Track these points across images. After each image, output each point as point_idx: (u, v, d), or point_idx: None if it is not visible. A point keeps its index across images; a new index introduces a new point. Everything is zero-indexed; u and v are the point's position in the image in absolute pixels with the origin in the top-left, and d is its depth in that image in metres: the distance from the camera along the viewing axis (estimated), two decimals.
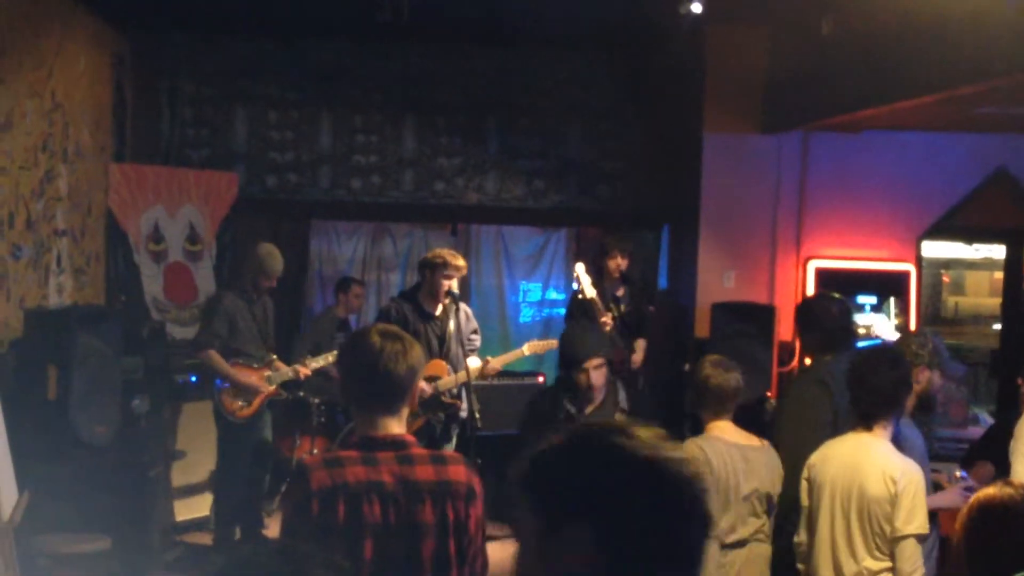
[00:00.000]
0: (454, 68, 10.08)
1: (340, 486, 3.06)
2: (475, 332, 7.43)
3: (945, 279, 12.52)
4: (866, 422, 4.37)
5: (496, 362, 7.31)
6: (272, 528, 8.19)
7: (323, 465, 3.11)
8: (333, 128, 10.05)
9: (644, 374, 8.09)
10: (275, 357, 7.77)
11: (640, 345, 8.17)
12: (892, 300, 9.09)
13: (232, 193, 9.55)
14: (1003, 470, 5.24)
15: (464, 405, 7.20)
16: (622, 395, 5.44)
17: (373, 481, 3.10)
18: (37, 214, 7.28)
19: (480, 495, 3.25)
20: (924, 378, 5.01)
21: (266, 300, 7.78)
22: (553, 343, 7.91)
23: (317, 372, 8.00)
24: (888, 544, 4.26)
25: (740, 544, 4.76)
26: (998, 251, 10.36)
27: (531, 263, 11.05)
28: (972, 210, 9.27)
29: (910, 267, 9.16)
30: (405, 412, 3.26)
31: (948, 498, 5.02)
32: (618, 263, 8.19)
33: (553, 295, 10.91)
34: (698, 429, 5.07)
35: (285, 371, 7.71)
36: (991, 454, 5.66)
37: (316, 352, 8.15)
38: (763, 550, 4.88)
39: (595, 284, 8.18)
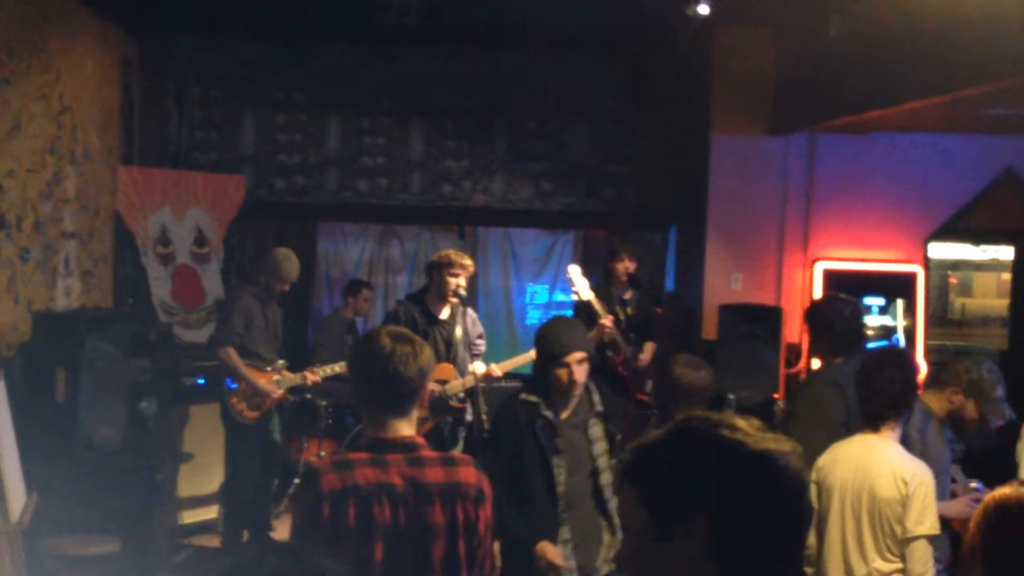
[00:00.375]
0: (461, 70, 10.09)
1: (350, 488, 3.07)
2: (480, 337, 7.43)
3: (952, 280, 12.51)
4: (873, 424, 4.36)
5: (501, 367, 7.30)
6: (280, 531, 8.19)
7: (333, 467, 3.12)
8: (340, 130, 10.06)
9: (652, 376, 8.08)
10: (283, 362, 7.77)
11: (649, 348, 8.16)
12: (899, 301, 9.08)
13: (239, 196, 9.55)
14: (1010, 472, 5.24)
15: (470, 409, 7.22)
16: (596, 397, 4.89)
17: (383, 483, 3.11)
18: (45, 217, 7.29)
19: (489, 497, 3.27)
20: (956, 400, 5.11)
21: (275, 305, 7.79)
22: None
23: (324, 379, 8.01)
24: (899, 545, 4.26)
25: None
26: (1006, 252, 10.34)
27: (538, 265, 11.06)
28: (980, 211, 9.25)
29: (917, 268, 9.15)
30: (415, 414, 3.27)
31: (956, 507, 5.02)
32: (626, 266, 8.19)
33: (560, 297, 10.91)
34: (664, 424, 5.12)
35: (293, 377, 7.72)
36: (1000, 456, 5.65)
37: (325, 354, 8.15)
38: None
39: (603, 287, 8.19)
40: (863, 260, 9.05)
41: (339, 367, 7.74)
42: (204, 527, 8.18)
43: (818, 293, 8.80)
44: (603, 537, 4.76)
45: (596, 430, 4.83)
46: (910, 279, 9.10)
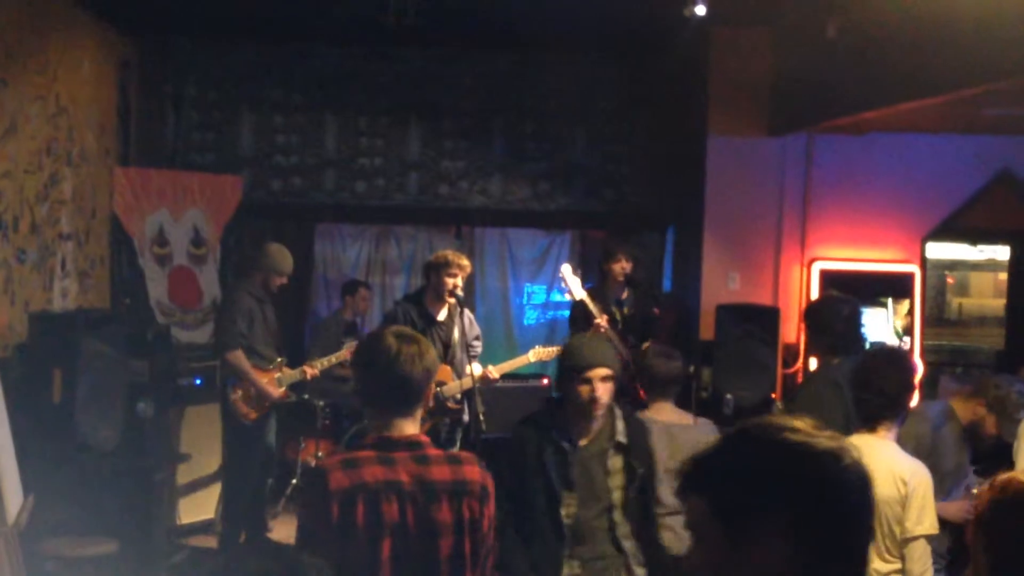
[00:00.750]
0: (459, 72, 10.09)
1: (358, 486, 3.09)
2: (477, 338, 7.43)
3: (949, 280, 12.52)
4: (870, 424, 4.36)
5: (499, 369, 7.30)
6: (276, 531, 8.19)
7: (341, 465, 3.13)
8: (338, 132, 10.06)
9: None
10: (282, 360, 7.77)
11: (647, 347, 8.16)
12: (890, 301, 9.08)
13: (237, 197, 9.55)
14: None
15: (467, 410, 7.22)
16: (620, 425, 4.41)
17: (391, 481, 3.13)
18: (42, 218, 7.29)
19: (492, 495, 3.30)
20: (978, 414, 5.23)
21: (270, 303, 7.78)
22: (559, 350, 7.89)
23: (323, 372, 8.01)
24: (898, 545, 4.25)
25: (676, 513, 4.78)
26: (1002, 252, 10.35)
27: (536, 266, 11.06)
28: (976, 211, 9.26)
29: (915, 268, 9.15)
30: (419, 413, 3.29)
31: (954, 509, 5.04)
32: (623, 266, 8.18)
33: (558, 297, 10.90)
34: (636, 409, 5.30)
35: (293, 373, 7.72)
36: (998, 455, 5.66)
37: (319, 356, 8.15)
38: None
39: (599, 287, 8.19)
40: (860, 260, 9.05)
41: (335, 358, 7.76)
42: (201, 527, 8.17)
43: (815, 293, 8.80)
44: (619, 575, 4.39)
45: (616, 462, 4.37)
46: (907, 279, 9.11)
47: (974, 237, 10.23)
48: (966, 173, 9.17)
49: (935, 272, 10.58)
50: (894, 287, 9.08)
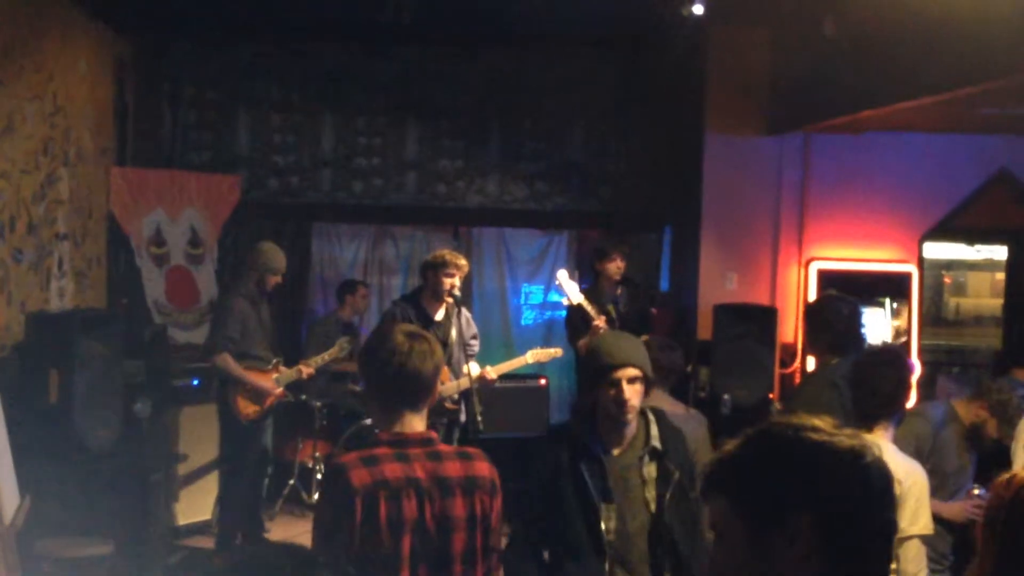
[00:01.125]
0: (456, 70, 10.09)
1: (380, 483, 3.12)
2: (475, 337, 7.42)
3: (947, 280, 12.50)
4: (867, 423, 4.35)
5: (496, 370, 7.30)
6: (273, 532, 8.19)
7: (361, 463, 3.16)
8: (335, 131, 10.06)
9: None
10: (279, 360, 7.77)
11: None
12: (888, 300, 9.08)
13: (234, 196, 9.54)
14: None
15: (464, 410, 7.22)
16: (654, 429, 4.01)
17: (410, 477, 3.17)
18: (38, 218, 7.27)
19: (499, 489, 3.34)
20: (980, 416, 5.26)
21: (266, 303, 7.78)
22: (557, 351, 7.91)
23: (320, 372, 8.01)
24: (893, 546, 4.25)
25: None
26: (1000, 252, 10.33)
27: (533, 265, 11.04)
28: (974, 211, 9.26)
29: (912, 268, 9.16)
30: (426, 410, 3.34)
31: (955, 509, 5.05)
32: (618, 265, 8.21)
33: (555, 298, 10.89)
34: None
35: (289, 372, 7.73)
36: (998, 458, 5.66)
37: (314, 356, 8.15)
38: None
39: (594, 287, 8.20)
40: (858, 260, 9.05)
41: (328, 355, 7.81)
42: (198, 528, 8.17)
43: (813, 293, 8.80)
44: None
45: (651, 469, 3.96)
46: (905, 279, 9.11)
47: (972, 237, 10.21)
48: (964, 173, 9.17)
49: (932, 272, 10.55)
50: (891, 287, 9.08)
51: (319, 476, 8.78)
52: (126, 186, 8.77)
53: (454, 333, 7.17)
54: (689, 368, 8.12)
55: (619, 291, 8.26)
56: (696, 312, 9.01)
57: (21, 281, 7.02)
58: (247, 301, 7.57)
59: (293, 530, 8.35)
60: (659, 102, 9.95)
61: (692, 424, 5.32)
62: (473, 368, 7.05)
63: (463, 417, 7.23)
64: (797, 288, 9.07)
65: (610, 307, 8.06)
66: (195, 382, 8.17)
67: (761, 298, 8.98)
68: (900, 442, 4.45)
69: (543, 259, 11.03)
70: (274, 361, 7.72)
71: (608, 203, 10.25)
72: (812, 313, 5.82)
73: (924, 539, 4.25)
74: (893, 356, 4.61)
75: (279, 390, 7.66)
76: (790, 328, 8.89)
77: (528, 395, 9.54)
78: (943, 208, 9.22)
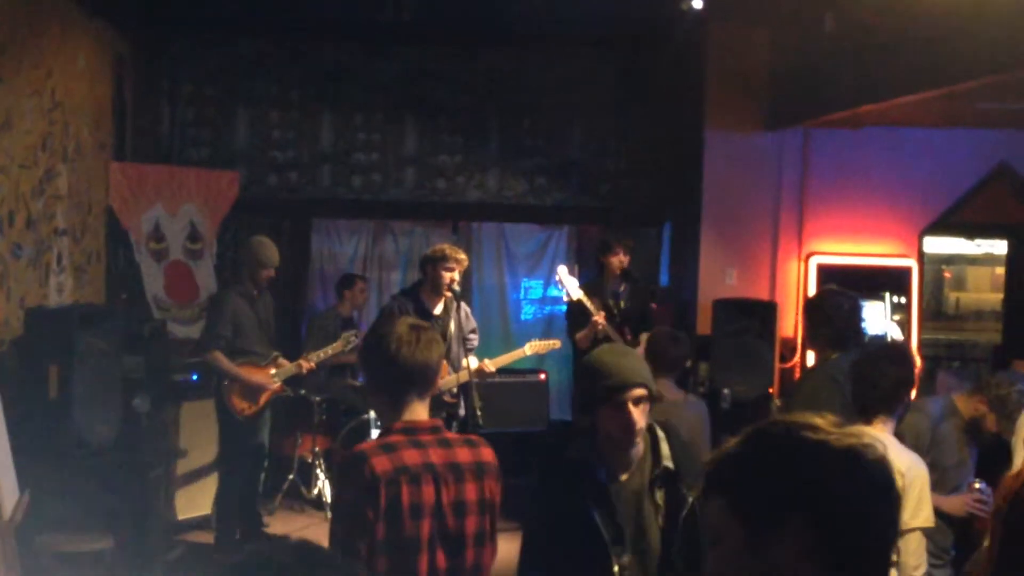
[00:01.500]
0: (455, 66, 10.08)
1: (401, 469, 3.19)
2: (473, 331, 7.42)
3: (947, 275, 12.51)
4: (865, 417, 4.35)
5: (495, 363, 7.30)
6: (273, 526, 8.19)
7: (380, 450, 3.22)
8: (334, 126, 10.05)
9: None
10: (278, 354, 7.78)
11: (644, 340, 8.16)
12: (887, 295, 9.08)
13: (233, 192, 9.54)
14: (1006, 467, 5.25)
15: (463, 404, 7.22)
16: (665, 448, 3.51)
17: (427, 463, 3.24)
18: (37, 213, 7.27)
19: (500, 473, 3.44)
20: (980, 410, 5.25)
21: (267, 296, 7.79)
22: (555, 343, 7.92)
23: (319, 367, 8.01)
24: None
25: None
26: (1000, 246, 10.35)
27: (532, 261, 11.05)
28: (974, 206, 9.26)
29: (912, 263, 9.15)
30: (428, 401, 3.42)
31: (955, 503, 5.05)
32: (620, 259, 8.22)
33: (554, 292, 10.88)
34: None
35: (289, 367, 7.73)
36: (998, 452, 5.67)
37: (318, 349, 8.15)
38: None
39: (596, 281, 8.21)
40: (857, 255, 9.05)
41: (331, 350, 7.80)
42: (198, 523, 8.16)
43: (812, 288, 8.80)
44: None
45: (661, 495, 3.49)
46: (904, 273, 9.11)
47: (971, 231, 10.23)
48: (963, 167, 9.17)
49: (932, 266, 10.58)
50: (891, 281, 9.07)
51: (318, 471, 8.78)
52: (125, 182, 8.76)
53: (452, 327, 7.17)
54: (689, 363, 8.12)
55: (622, 287, 8.27)
56: (696, 307, 9.01)
57: (20, 276, 7.02)
58: (242, 297, 7.59)
59: (292, 525, 8.36)
60: (658, 98, 9.95)
61: (691, 410, 5.41)
62: (472, 362, 7.06)
63: (462, 411, 7.24)
64: (797, 283, 9.07)
65: (611, 302, 8.07)
66: (194, 377, 8.17)
67: (761, 293, 8.98)
68: (899, 436, 4.44)
69: (542, 254, 11.03)
70: (273, 356, 7.72)
71: (608, 199, 10.25)
72: (812, 308, 5.82)
73: (925, 532, 4.26)
74: (893, 351, 4.62)
75: (276, 385, 7.67)
76: (790, 323, 8.89)
77: (528, 389, 9.54)
78: (943, 203, 9.22)
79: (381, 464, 3.16)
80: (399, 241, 10.85)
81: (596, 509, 3.41)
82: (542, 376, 9.67)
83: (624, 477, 3.49)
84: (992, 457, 5.56)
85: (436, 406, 7.02)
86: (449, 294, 7.15)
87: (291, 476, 8.82)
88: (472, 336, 7.37)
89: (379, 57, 9.95)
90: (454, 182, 10.14)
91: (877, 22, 6.99)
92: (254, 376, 7.56)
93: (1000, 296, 10.51)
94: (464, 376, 7.05)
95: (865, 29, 7.16)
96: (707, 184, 9.08)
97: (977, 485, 5.09)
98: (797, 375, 8.49)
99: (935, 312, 11.71)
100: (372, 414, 8.64)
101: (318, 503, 8.72)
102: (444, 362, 7.08)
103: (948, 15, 6.05)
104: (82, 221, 8.15)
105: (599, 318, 7.69)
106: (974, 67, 5.92)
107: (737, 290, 8.95)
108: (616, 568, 3.40)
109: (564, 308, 8.72)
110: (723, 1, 7.82)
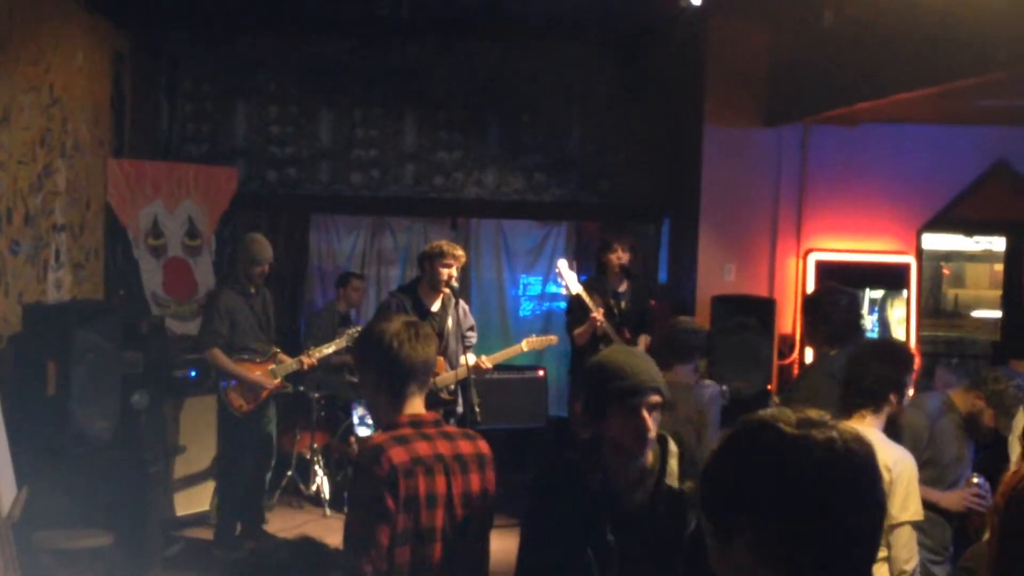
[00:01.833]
0: (454, 62, 10.07)
1: (416, 459, 3.24)
2: (471, 329, 7.41)
3: (945, 271, 12.53)
4: (849, 413, 4.35)
5: (491, 359, 7.30)
6: (272, 523, 8.19)
7: (395, 442, 3.26)
8: (333, 123, 10.04)
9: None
10: (278, 350, 7.77)
11: (643, 340, 8.17)
12: (880, 291, 9.09)
13: (231, 188, 9.54)
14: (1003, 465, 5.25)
15: (461, 401, 7.22)
16: (673, 463, 3.22)
17: (437, 454, 3.31)
18: (35, 209, 7.26)
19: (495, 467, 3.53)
20: (976, 406, 5.23)
21: (265, 293, 7.79)
22: (552, 339, 7.92)
23: (319, 364, 8.00)
24: (883, 533, 4.24)
25: None
26: (998, 243, 10.36)
27: (531, 257, 11.05)
28: (972, 202, 9.25)
29: (910, 259, 9.15)
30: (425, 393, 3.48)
31: (952, 499, 5.05)
32: (620, 256, 8.21)
33: (553, 289, 10.90)
34: None
35: (290, 363, 7.73)
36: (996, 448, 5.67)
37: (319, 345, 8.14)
38: None
39: (597, 280, 8.20)
40: (856, 251, 9.05)
41: (334, 346, 7.79)
42: (197, 519, 8.16)
43: (811, 284, 8.80)
44: None
45: (665, 511, 3.20)
46: (903, 270, 9.11)
47: (970, 228, 10.24)
48: (962, 164, 9.16)
49: (931, 263, 10.59)
50: (890, 278, 9.08)
51: (317, 467, 8.78)
52: (123, 178, 8.75)
53: (450, 323, 7.17)
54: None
55: (624, 285, 8.27)
56: (694, 304, 9.00)
57: (18, 272, 7.01)
58: (237, 294, 7.59)
59: (291, 522, 8.36)
60: (658, 94, 9.94)
61: (703, 391, 5.62)
62: (469, 359, 7.06)
63: (460, 408, 7.23)
64: (795, 279, 9.07)
65: (612, 302, 8.07)
66: (193, 373, 8.17)
67: (759, 289, 8.98)
68: (897, 433, 4.44)
69: (541, 250, 11.04)
70: (272, 352, 7.72)
71: (606, 195, 10.24)
72: (810, 304, 5.82)
73: (923, 527, 4.26)
74: (883, 349, 4.60)
75: (276, 381, 7.66)
76: (788, 319, 8.89)
77: (527, 386, 9.55)
78: (941, 199, 9.22)
79: (399, 455, 3.21)
80: (398, 237, 10.85)
81: (590, 522, 3.16)
82: (540, 372, 9.67)
83: (626, 489, 3.20)
84: (990, 452, 5.57)
85: (434, 403, 7.05)
86: (447, 290, 7.14)
87: (290, 472, 8.82)
88: (470, 334, 7.36)
89: (378, 53, 9.94)
90: (453, 178, 10.14)
91: (876, 18, 6.99)
92: (252, 373, 7.56)
93: (998, 293, 10.51)
94: (462, 373, 7.04)
95: (864, 25, 7.16)
96: (706, 180, 9.07)
97: (975, 480, 5.09)
98: (796, 371, 8.49)
99: (934, 309, 11.72)
100: (355, 417, 8.67)
101: (316, 499, 8.72)
102: (441, 359, 7.09)
103: (948, 11, 6.05)
104: (80, 217, 8.14)
105: (597, 314, 7.69)
106: (973, 64, 5.91)
107: (736, 286, 8.94)
108: (616, 568, 3.16)
109: (563, 304, 8.72)
110: None
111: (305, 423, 8.85)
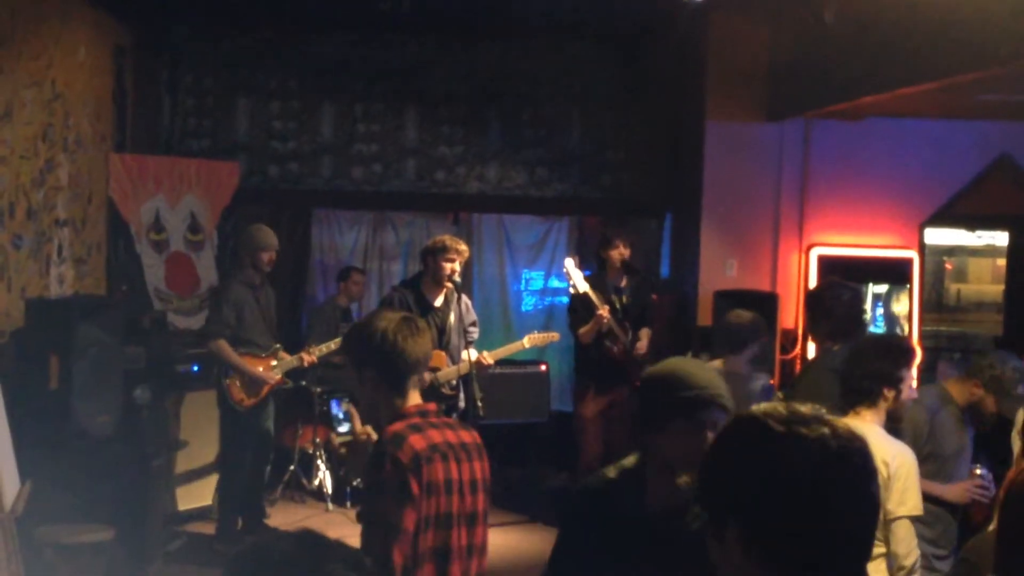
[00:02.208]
0: (455, 57, 10.07)
1: (432, 446, 3.33)
2: (474, 324, 7.41)
3: (948, 266, 12.52)
4: (845, 409, 4.35)
5: (493, 355, 7.30)
6: (274, 518, 8.19)
7: (411, 430, 3.33)
8: (334, 118, 10.04)
9: (649, 364, 8.09)
10: (279, 346, 7.78)
11: (645, 334, 8.18)
12: (888, 286, 9.08)
13: (233, 183, 9.53)
14: (1006, 458, 5.25)
15: (462, 396, 7.22)
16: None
17: (448, 442, 3.40)
18: (38, 204, 7.27)
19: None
20: (976, 393, 5.21)
21: (268, 289, 7.79)
22: (554, 336, 7.91)
23: (320, 359, 8.01)
24: (882, 528, 4.24)
25: None
26: (1001, 238, 10.35)
27: (533, 252, 11.04)
28: (975, 197, 9.25)
29: (913, 254, 9.15)
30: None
31: (955, 491, 5.04)
32: (621, 252, 8.20)
33: (555, 284, 10.90)
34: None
35: (290, 360, 7.73)
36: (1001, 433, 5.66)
37: (317, 341, 8.14)
38: None
39: (598, 276, 8.20)
40: (858, 246, 9.05)
41: (334, 344, 7.78)
42: (199, 514, 8.17)
43: (813, 279, 8.80)
44: None
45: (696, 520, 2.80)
46: (906, 265, 9.11)
47: (972, 223, 10.22)
48: (964, 159, 9.16)
49: (933, 258, 10.58)
50: (892, 273, 9.07)
51: (319, 462, 8.79)
52: (125, 172, 8.75)
53: (452, 318, 7.17)
54: (689, 355, 8.12)
55: (624, 281, 8.27)
56: (697, 299, 9.01)
57: (20, 267, 7.02)
58: (244, 287, 7.59)
59: (294, 516, 8.36)
60: (659, 89, 9.93)
61: (748, 382, 5.84)
62: (471, 355, 7.05)
63: (461, 403, 7.23)
64: (798, 274, 9.07)
65: (614, 298, 8.06)
66: (195, 368, 8.17)
67: (762, 284, 8.98)
68: (900, 430, 4.43)
69: (543, 245, 11.03)
70: (274, 347, 7.72)
71: (608, 190, 10.24)
72: (813, 299, 5.82)
73: (927, 522, 4.25)
74: (880, 345, 4.58)
75: (277, 377, 7.67)
76: (791, 314, 8.89)
77: (529, 380, 9.55)
78: (944, 194, 9.22)
79: (418, 442, 3.28)
80: (399, 232, 10.85)
81: (627, 556, 2.86)
82: (543, 367, 9.67)
83: (668, 515, 2.85)
84: (996, 437, 5.56)
85: (436, 398, 7.06)
86: (450, 285, 7.14)
87: (292, 467, 8.83)
88: (472, 329, 7.36)
89: (380, 48, 9.94)
90: (455, 173, 10.13)
91: (878, 13, 6.98)
92: (255, 368, 7.57)
93: (1001, 287, 10.50)
94: (464, 368, 7.04)
95: (866, 20, 7.15)
96: (708, 175, 9.07)
97: (978, 471, 5.08)
98: (798, 367, 8.49)
99: (936, 304, 11.70)
100: (341, 412, 8.68)
101: (319, 494, 8.73)
102: (443, 354, 7.09)
103: (949, 7, 6.04)
104: (82, 212, 8.14)
105: (604, 312, 7.69)
106: (975, 59, 5.91)
107: (738, 281, 8.94)
108: None
109: (565, 301, 8.72)
110: None
111: (307, 418, 8.86)
